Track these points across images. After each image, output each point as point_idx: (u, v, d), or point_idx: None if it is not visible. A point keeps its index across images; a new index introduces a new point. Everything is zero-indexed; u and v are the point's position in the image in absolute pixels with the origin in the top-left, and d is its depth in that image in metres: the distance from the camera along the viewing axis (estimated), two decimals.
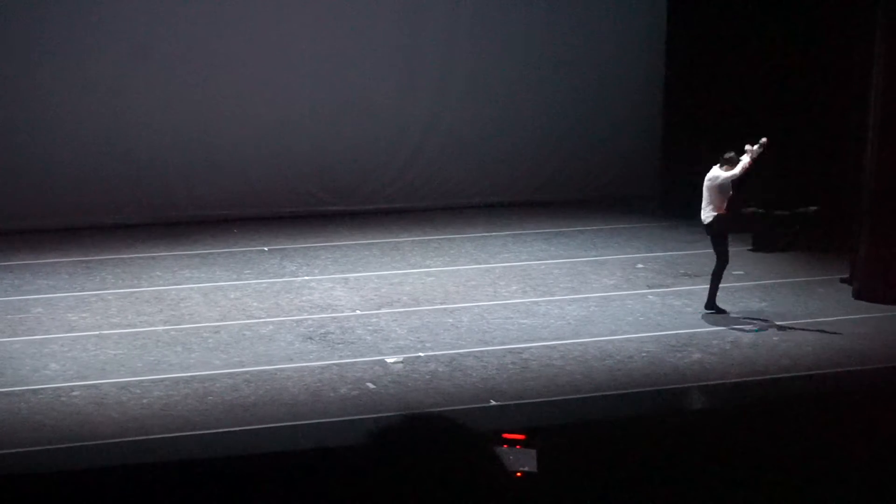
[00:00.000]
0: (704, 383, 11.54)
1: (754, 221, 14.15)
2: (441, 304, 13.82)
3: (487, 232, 17.19)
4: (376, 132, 18.26)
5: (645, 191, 19.05)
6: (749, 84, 17.16)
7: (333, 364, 11.80)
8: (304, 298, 13.99)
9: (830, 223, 14.97)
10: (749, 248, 16.13)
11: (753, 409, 9.93)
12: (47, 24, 16.69)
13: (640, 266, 15.45)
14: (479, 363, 11.82)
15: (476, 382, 11.34)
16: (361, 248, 16.26)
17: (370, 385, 11.24)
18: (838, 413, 9.09)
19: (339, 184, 18.16)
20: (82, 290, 14.30)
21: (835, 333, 12.77)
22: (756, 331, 12.83)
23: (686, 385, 11.47)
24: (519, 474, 4.72)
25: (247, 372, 11.56)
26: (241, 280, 14.77)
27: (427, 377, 11.46)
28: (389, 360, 11.91)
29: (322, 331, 12.80)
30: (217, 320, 13.17)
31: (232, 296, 14.08)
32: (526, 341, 12.48)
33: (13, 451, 9.80)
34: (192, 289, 14.36)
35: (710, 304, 13.37)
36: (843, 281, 14.34)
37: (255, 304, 13.78)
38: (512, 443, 5.01)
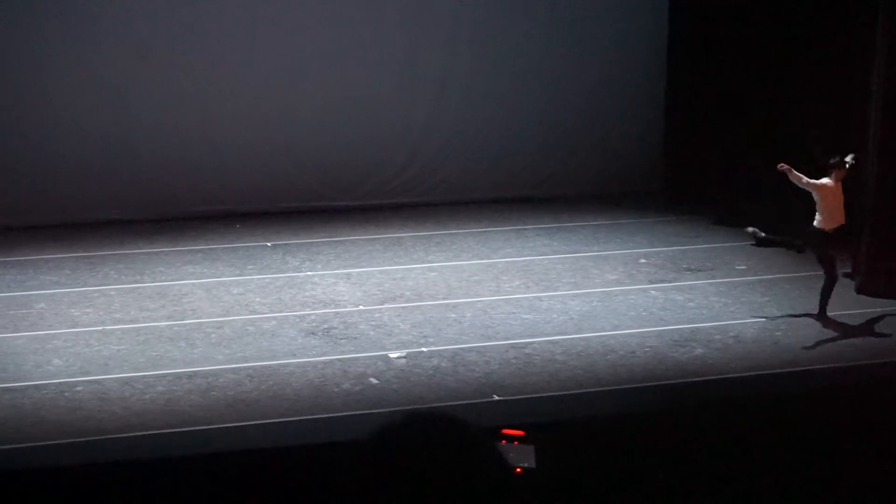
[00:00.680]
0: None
1: (760, 243, 13.99)
2: (444, 299, 13.82)
3: (490, 227, 17.18)
4: (379, 127, 18.25)
5: (647, 186, 19.05)
6: (751, 79, 17.15)
7: (336, 359, 11.81)
8: (306, 294, 13.99)
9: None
10: (752, 243, 16.12)
11: (756, 404, 9.94)
12: (50, 20, 16.69)
13: (642, 261, 15.44)
14: (482, 358, 11.83)
15: (479, 377, 11.34)
16: (364, 244, 16.26)
17: (373, 380, 11.25)
18: (841, 408, 9.10)
19: (341, 179, 18.16)
20: (85, 285, 14.30)
21: (837, 328, 12.77)
22: None
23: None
24: (518, 470, 4.73)
25: (250, 367, 11.57)
26: (244, 275, 14.77)
27: (430, 372, 11.47)
28: (392, 355, 11.92)
29: (325, 326, 12.81)
30: (220, 316, 13.17)
31: (235, 291, 14.09)
32: (528, 336, 12.48)
33: (16, 446, 9.81)
34: (194, 284, 14.37)
35: (821, 311, 13.07)
36: (845, 276, 14.33)
37: (257, 299, 13.79)
38: (511, 438, 5.02)
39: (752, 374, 11.50)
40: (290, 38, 17.69)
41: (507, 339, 12.40)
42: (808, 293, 13.97)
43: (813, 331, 12.71)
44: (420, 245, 16.23)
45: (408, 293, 14.02)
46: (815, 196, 12.79)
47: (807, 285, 14.32)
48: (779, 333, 12.66)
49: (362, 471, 2.78)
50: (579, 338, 12.46)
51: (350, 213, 17.79)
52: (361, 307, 13.49)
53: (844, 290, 13.85)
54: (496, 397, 10.85)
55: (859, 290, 13.98)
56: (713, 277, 14.67)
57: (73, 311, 13.32)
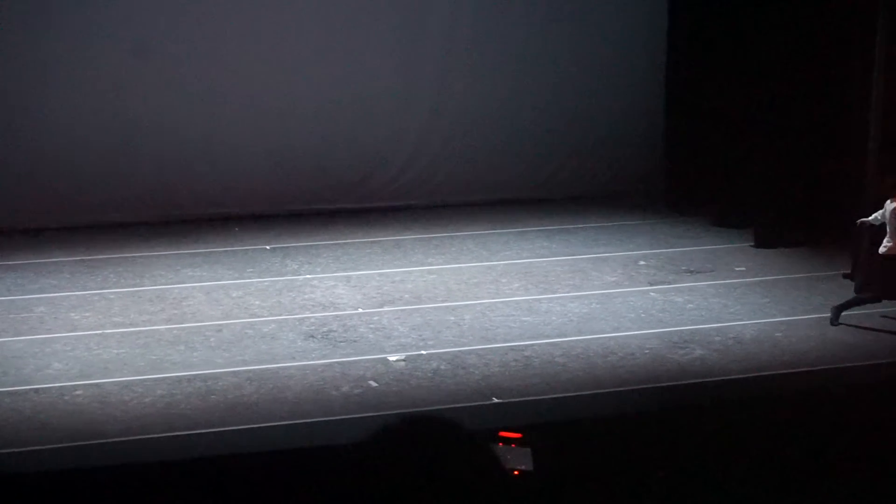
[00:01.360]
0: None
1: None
2: (443, 301, 13.82)
3: (489, 229, 17.19)
4: (377, 130, 18.26)
5: (647, 187, 19.05)
6: (751, 79, 17.14)
7: (336, 362, 11.81)
8: (306, 297, 14.00)
9: (832, 218, 15.01)
10: (751, 244, 16.14)
11: (755, 405, 9.94)
12: (48, 23, 16.69)
13: (642, 263, 15.44)
14: (482, 361, 11.83)
15: (478, 380, 11.34)
16: (363, 246, 16.27)
17: (372, 383, 11.25)
18: (841, 408, 9.10)
19: (340, 181, 18.16)
20: (84, 289, 14.31)
21: (837, 329, 12.76)
22: None
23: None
24: (517, 472, 4.72)
25: (249, 370, 11.56)
26: (244, 278, 14.77)
27: (429, 375, 11.47)
28: (392, 357, 11.92)
29: (324, 329, 12.81)
30: (219, 319, 13.18)
31: (234, 294, 14.09)
32: (528, 339, 12.48)
33: (16, 450, 9.81)
34: (194, 287, 14.37)
35: (838, 309, 12.97)
36: (845, 276, 14.32)
37: (257, 302, 13.79)
38: (508, 441, 5.00)
39: (752, 375, 11.50)
40: (289, 41, 17.69)
41: (507, 341, 12.40)
42: (808, 294, 13.98)
43: (813, 332, 12.71)
44: (419, 247, 16.23)
45: (407, 296, 14.02)
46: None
47: (806, 286, 14.33)
48: (779, 335, 12.65)
49: (359, 474, 2.78)
50: (579, 340, 12.46)
51: (349, 215, 17.80)
52: (361, 310, 13.49)
53: (844, 290, 13.82)
54: (496, 400, 10.85)
55: (859, 291, 13.95)
56: (713, 279, 14.67)
57: (72, 314, 13.32)
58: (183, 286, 14.40)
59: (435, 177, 18.62)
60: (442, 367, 11.67)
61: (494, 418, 10.37)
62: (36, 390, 11.04)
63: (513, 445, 5.00)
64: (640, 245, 16.31)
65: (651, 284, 14.47)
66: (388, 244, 16.39)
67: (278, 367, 11.64)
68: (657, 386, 11.25)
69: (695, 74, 18.32)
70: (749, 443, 7.62)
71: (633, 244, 16.37)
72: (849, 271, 14.28)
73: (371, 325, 12.94)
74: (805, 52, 16.41)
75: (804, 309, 13.44)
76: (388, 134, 18.32)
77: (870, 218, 12.81)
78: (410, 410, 10.52)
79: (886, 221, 12.55)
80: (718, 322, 13.06)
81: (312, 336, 12.59)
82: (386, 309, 13.53)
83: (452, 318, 13.19)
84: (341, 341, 12.43)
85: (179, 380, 11.31)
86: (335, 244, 16.39)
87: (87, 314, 13.33)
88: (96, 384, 11.19)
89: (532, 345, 12.29)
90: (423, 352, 12.09)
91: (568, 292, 14.15)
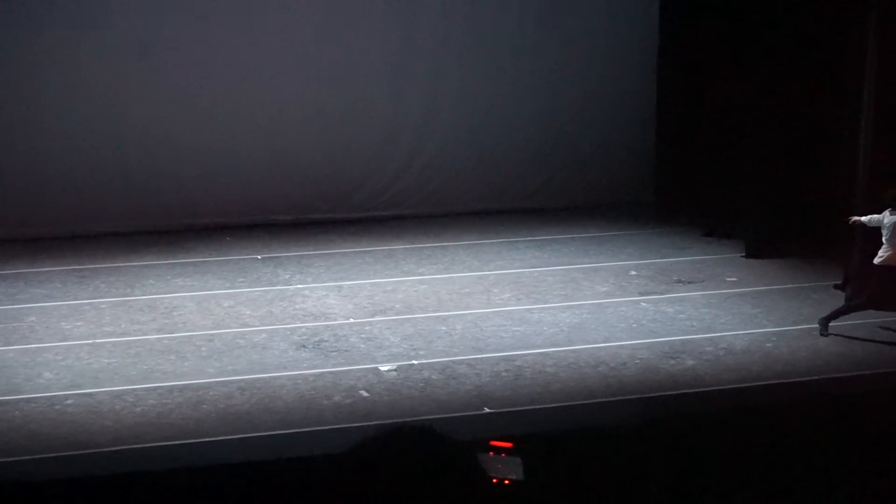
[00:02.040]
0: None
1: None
2: (434, 311, 13.83)
3: (480, 239, 17.20)
4: (369, 140, 18.28)
5: (638, 197, 19.10)
6: (742, 90, 17.19)
7: (327, 372, 11.80)
8: (297, 306, 13.99)
9: (824, 229, 15.05)
10: (741, 254, 16.17)
11: (746, 416, 9.95)
12: (39, 35, 16.70)
13: (633, 273, 15.46)
14: (473, 371, 11.83)
15: (469, 390, 11.34)
16: (355, 256, 16.27)
17: (364, 393, 11.24)
18: (832, 419, 9.11)
19: (332, 191, 18.17)
20: (76, 298, 14.29)
21: (828, 339, 12.78)
22: None
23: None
24: (507, 482, 4.72)
25: (241, 380, 11.55)
26: (235, 288, 14.77)
27: (421, 385, 11.47)
28: (383, 367, 11.91)
29: (316, 339, 12.81)
30: (211, 328, 13.17)
31: (225, 304, 14.08)
32: (519, 349, 12.48)
33: (7, 459, 9.78)
34: (185, 297, 14.36)
35: (825, 320, 12.98)
36: (836, 287, 14.36)
37: (248, 312, 13.78)
38: (498, 450, 5.00)
39: (743, 385, 11.51)
40: (280, 51, 17.71)
41: (498, 351, 12.40)
42: (798, 304, 14.00)
43: (804, 342, 12.73)
44: (411, 257, 16.24)
45: (398, 306, 14.02)
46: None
47: (797, 296, 14.35)
48: (769, 345, 12.67)
49: (341, 484, 2.78)
50: (570, 350, 12.46)
51: (341, 225, 17.81)
52: (352, 320, 13.49)
53: (836, 300, 13.85)
54: (487, 410, 10.85)
55: (850, 300, 13.98)
56: (704, 289, 14.69)
57: (63, 324, 13.30)
58: (174, 296, 14.39)
59: (426, 187, 18.63)
60: (433, 376, 11.68)
61: (485, 428, 10.36)
62: (27, 400, 11.02)
63: (503, 455, 4.99)
64: (631, 255, 16.33)
65: (642, 295, 14.49)
66: (380, 254, 16.40)
67: (269, 377, 11.63)
68: (648, 396, 11.26)
69: (685, 86, 18.38)
70: (740, 453, 7.63)
71: (625, 254, 16.39)
72: (839, 282, 14.33)
73: (362, 335, 12.94)
74: (796, 66, 16.46)
75: (795, 319, 13.46)
76: (380, 144, 18.35)
77: (864, 218, 12.75)
78: (397, 421, 10.50)
79: (884, 231, 12.51)
80: (709, 332, 13.08)
81: (304, 346, 12.59)
82: (377, 319, 13.53)
83: (444, 327, 13.19)
84: (332, 351, 12.43)
85: (170, 389, 11.29)
86: (326, 254, 16.40)
87: (78, 324, 13.32)
88: (87, 394, 11.17)
89: (523, 355, 12.29)
90: (415, 361, 12.09)
91: (559, 302, 14.16)
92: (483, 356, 12.25)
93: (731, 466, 7.36)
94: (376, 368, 11.89)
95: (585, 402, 11.08)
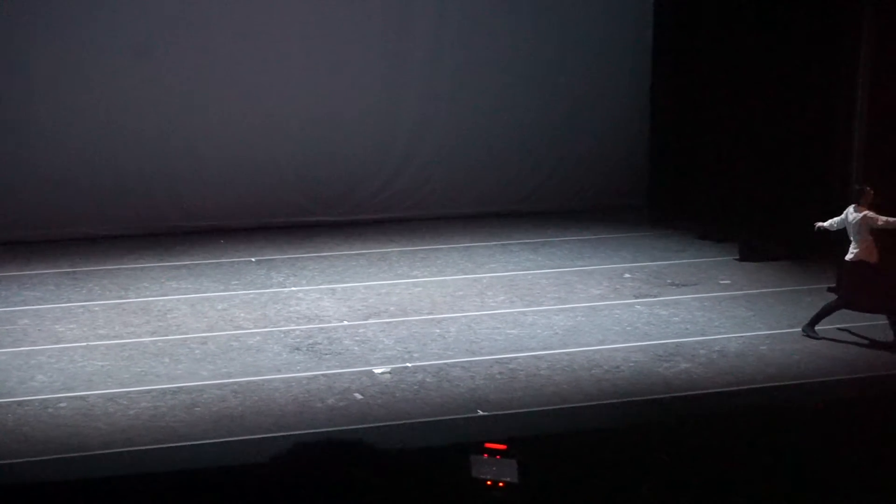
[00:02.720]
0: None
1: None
2: (428, 314, 13.82)
3: (474, 242, 17.20)
4: (363, 143, 18.29)
5: (632, 201, 19.13)
6: (736, 93, 17.21)
7: (321, 374, 11.79)
8: (291, 309, 13.98)
9: (816, 233, 15.05)
10: (735, 257, 16.18)
11: (740, 418, 9.96)
12: (34, 40, 16.69)
13: (627, 276, 15.47)
14: (467, 373, 11.82)
15: (463, 392, 11.33)
16: (349, 259, 16.27)
17: (358, 395, 11.23)
18: (825, 421, 9.13)
19: (326, 194, 18.18)
20: (69, 301, 14.27)
21: (821, 342, 12.79)
22: None
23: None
24: (501, 484, 4.73)
25: (234, 383, 11.54)
26: (229, 291, 14.76)
27: (414, 387, 11.46)
28: (377, 370, 11.91)
29: (309, 341, 12.80)
30: (204, 331, 13.15)
31: (219, 307, 14.07)
32: (513, 351, 12.48)
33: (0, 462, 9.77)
34: (179, 300, 14.35)
35: (811, 324, 12.98)
36: (829, 290, 14.37)
37: (242, 314, 13.77)
38: (493, 453, 5.01)
39: (737, 388, 11.51)
40: (275, 55, 17.71)
41: (492, 354, 12.40)
42: (792, 307, 14.01)
43: (797, 345, 12.73)
44: (405, 260, 16.24)
45: (392, 308, 14.02)
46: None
47: (791, 300, 14.37)
48: (763, 348, 12.67)
49: (264, 494, 2.79)
50: (564, 353, 12.46)
51: (335, 228, 17.81)
52: (346, 322, 13.49)
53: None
54: (481, 412, 10.85)
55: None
56: (697, 292, 14.70)
57: (57, 326, 13.29)
58: (168, 298, 14.38)
59: (420, 190, 18.64)
60: (427, 379, 11.67)
61: (480, 430, 10.36)
62: (19, 402, 11.00)
63: (498, 457, 5.00)
64: (625, 258, 16.34)
65: (636, 297, 14.49)
66: (374, 257, 16.40)
67: (263, 380, 11.62)
68: (642, 399, 11.26)
69: (679, 90, 18.39)
70: (734, 455, 7.64)
71: (619, 257, 16.40)
72: (833, 285, 14.34)
73: (356, 338, 12.93)
74: (789, 70, 16.47)
75: (788, 322, 13.46)
76: (374, 147, 18.35)
77: (825, 223, 12.85)
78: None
79: (849, 228, 12.59)
80: (703, 335, 13.08)
81: (297, 348, 12.58)
82: (371, 321, 13.53)
83: (438, 330, 13.19)
84: (326, 354, 12.42)
85: (164, 392, 11.28)
86: (320, 257, 16.39)
87: (71, 326, 13.30)
88: (80, 396, 11.15)
89: (517, 357, 12.29)
90: (409, 364, 12.09)
91: (553, 305, 14.17)
92: (477, 359, 12.25)
93: (725, 468, 7.37)
94: (370, 371, 11.88)
95: (579, 404, 11.08)
